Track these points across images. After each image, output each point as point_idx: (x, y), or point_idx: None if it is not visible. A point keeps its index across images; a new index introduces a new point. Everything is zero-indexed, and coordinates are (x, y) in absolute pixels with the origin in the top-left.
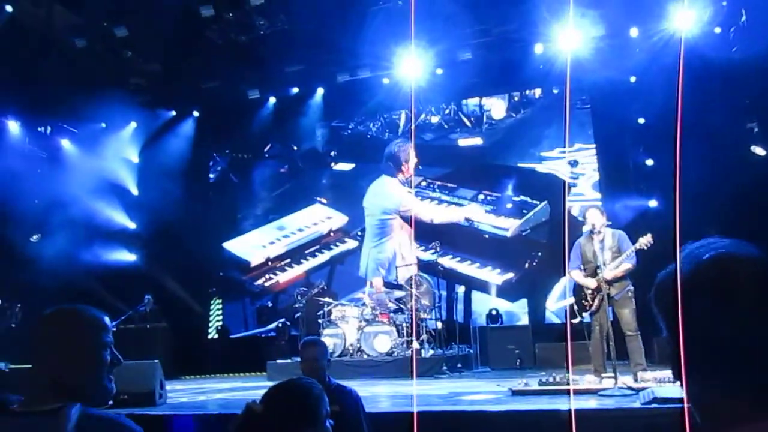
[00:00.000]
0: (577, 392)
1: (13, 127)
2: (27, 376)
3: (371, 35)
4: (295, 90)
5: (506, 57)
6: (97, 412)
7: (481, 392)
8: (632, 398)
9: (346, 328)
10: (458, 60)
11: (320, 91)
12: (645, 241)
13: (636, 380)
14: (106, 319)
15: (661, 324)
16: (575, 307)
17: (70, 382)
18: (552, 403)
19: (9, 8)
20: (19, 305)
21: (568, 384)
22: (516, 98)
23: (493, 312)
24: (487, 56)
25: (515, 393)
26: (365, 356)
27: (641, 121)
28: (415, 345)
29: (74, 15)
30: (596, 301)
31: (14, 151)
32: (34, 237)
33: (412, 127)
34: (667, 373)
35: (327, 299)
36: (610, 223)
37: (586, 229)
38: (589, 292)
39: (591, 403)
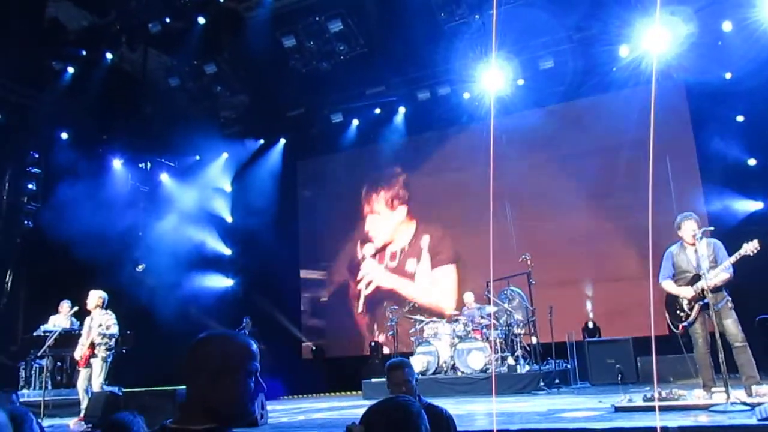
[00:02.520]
0: (686, 408)
1: (117, 165)
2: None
3: (449, 51)
4: (377, 111)
5: (590, 62)
6: None
7: (582, 409)
8: (747, 414)
9: (439, 345)
10: (540, 69)
11: (402, 110)
12: (751, 247)
13: (750, 394)
14: (254, 347)
15: None
16: (669, 320)
17: (218, 405)
18: (658, 420)
19: (109, 55)
20: (129, 332)
21: (675, 399)
22: None
23: (590, 325)
24: (570, 62)
25: (618, 409)
26: (459, 373)
27: (740, 119)
28: (510, 361)
29: (167, 57)
30: (694, 311)
31: (119, 188)
32: (139, 267)
33: (491, 139)
34: None
35: (419, 317)
36: (712, 228)
37: (685, 238)
38: (686, 302)
39: (702, 419)
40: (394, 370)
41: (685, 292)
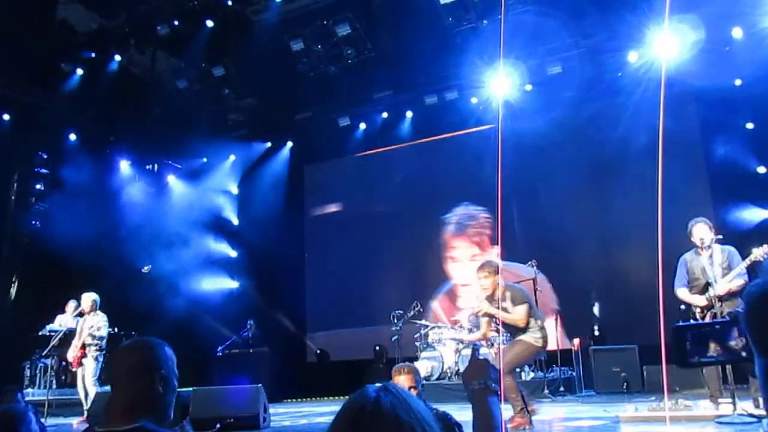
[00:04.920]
0: (692, 419)
1: (124, 166)
2: (108, 399)
3: (457, 56)
4: (384, 115)
5: (598, 67)
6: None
7: (587, 418)
8: (754, 426)
9: (444, 350)
10: (548, 74)
11: (409, 114)
12: (761, 252)
13: (757, 406)
14: (171, 351)
15: (754, 345)
16: None
17: (147, 405)
18: (664, 431)
19: (118, 57)
20: (133, 332)
21: (681, 410)
22: None
23: (596, 332)
24: (579, 68)
25: (624, 420)
26: None
27: (750, 126)
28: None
29: (175, 59)
30: (706, 320)
31: (126, 189)
32: (146, 268)
33: (499, 144)
34: None
35: (423, 321)
36: (720, 237)
37: (695, 242)
38: (698, 310)
39: (708, 431)
40: (400, 374)
41: (698, 301)
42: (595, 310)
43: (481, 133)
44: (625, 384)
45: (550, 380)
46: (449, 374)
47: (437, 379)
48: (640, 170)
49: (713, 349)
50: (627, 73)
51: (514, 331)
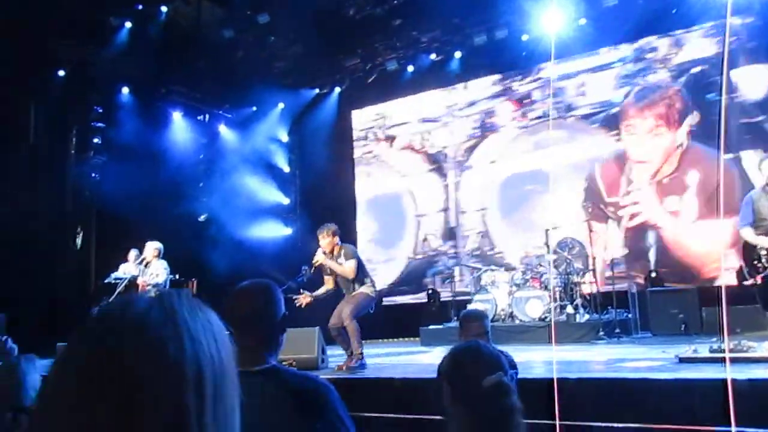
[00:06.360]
0: (756, 360)
1: (177, 117)
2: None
3: None
4: (433, 57)
5: None
6: (297, 371)
7: (645, 359)
8: None
9: (497, 293)
10: (603, 6)
11: (458, 54)
12: None
13: None
14: None
15: None
16: (745, 269)
17: (269, 345)
18: (726, 371)
19: (164, 9)
20: (193, 279)
21: (744, 351)
22: None
23: (653, 274)
24: None
25: (683, 360)
26: (517, 321)
27: None
28: (569, 309)
29: (220, 9)
30: None
31: (179, 140)
32: (202, 217)
33: (551, 84)
34: None
35: (476, 264)
36: None
37: (761, 181)
38: (764, 252)
39: None
40: (471, 321)
41: (763, 242)
42: (652, 253)
43: (531, 72)
44: (683, 326)
45: (606, 322)
46: (503, 317)
47: (491, 321)
48: (706, 102)
49: None
50: (689, 2)
51: (350, 284)
